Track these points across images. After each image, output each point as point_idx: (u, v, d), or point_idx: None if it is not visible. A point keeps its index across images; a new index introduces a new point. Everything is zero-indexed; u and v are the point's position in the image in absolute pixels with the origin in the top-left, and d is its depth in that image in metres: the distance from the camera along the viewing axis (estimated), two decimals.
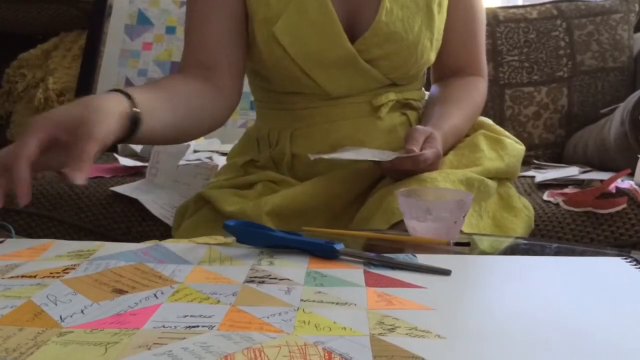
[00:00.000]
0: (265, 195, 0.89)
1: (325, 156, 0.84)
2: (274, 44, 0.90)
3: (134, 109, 0.72)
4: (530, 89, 1.57)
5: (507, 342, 0.41)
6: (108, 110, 0.67)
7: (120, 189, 1.20)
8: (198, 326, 0.43)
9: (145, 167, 1.29)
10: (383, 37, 0.90)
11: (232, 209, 0.86)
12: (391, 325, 0.44)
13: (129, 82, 1.76)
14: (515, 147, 0.97)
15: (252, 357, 0.38)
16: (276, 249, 0.62)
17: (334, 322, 0.44)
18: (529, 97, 1.56)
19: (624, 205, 1.01)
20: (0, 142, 1.91)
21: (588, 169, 1.29)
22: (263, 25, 0.90)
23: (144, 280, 0.53)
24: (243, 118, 1.65)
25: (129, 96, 0.72)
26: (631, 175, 1.09)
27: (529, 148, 1.54)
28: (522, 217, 0.92)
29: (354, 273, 0.55)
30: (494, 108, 1.57)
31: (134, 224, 1.17)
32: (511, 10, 1.65)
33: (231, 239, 0.64)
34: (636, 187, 1.05)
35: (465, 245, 0.66)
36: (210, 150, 1.44)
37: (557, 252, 0.71)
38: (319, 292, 0.50)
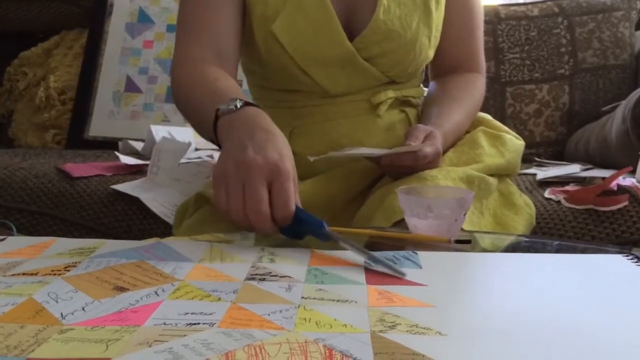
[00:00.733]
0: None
1: (325, 156, 0.84)
2: (272, 42, 0.90)
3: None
4: (532, 87, 1.56)
5: (508, 339, 0.41)
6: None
7: (121, 187, 1.20)
8: (199, 323, 0.43)
9: (146, 165, 1.29)
10: (381, 35, 0.90)
11: None
12: (392, 322, 0.44)
13: (130, 81, 1.76)
14: (515, 143, 0.97)
15: (253, 354, 0.38)
16: (277, 247, 0.62)
17: (335, 320, 0.44)
18: (531, 95, 1.56)
19: (626, 203, 1.01)
20: (2, 141, 1.91)
21: (589, 166, 1.29)
22: (261, 22, 0.91)
23: (145, 277, 0.53)
24: None
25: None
26: (633, 172, 1.09)
27: (530, 146, 1.54)
28: (523, 214, 0.92)
29: (355, 271, 0.55)
30: (495, 106, 1.57)
31: (135, 222, 1.17)
32: (512, 8, 1.64)
33: (232, 237, 0.64)
34: (638, 184, 1.05)
35: (466, 243, 0.66)
36: (212, 149, 1.44)
37: (559, 250, 0.71)
38: (320, 290, 0.50)
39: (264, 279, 0.53)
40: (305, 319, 0.44)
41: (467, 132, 0.99)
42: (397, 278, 0.53)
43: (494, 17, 1.62)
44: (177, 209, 1.00)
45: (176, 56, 0.92)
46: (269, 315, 0.45)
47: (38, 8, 1.91)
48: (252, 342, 0.40)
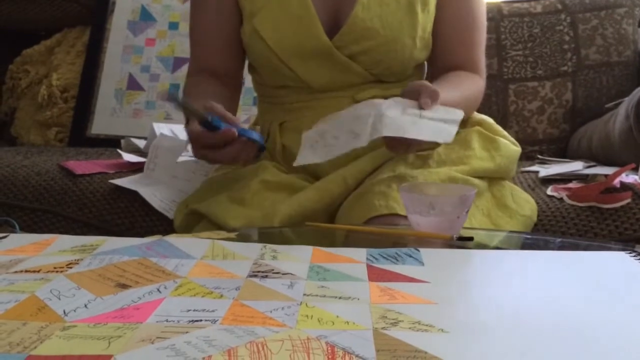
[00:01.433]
0: (262, 194, 0.89)
1: (310, 161, 0.82)
2: (256, 37, 0.95)
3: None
4: (535, 84, 1.56)
5: (511, 336, 0.41)
6: None
7: (119, 181, 1.20)
8: (201, 320, 0.43)
9: None
10: (359, 33, 0.92)
11: (236, 224, 0.86)
12: (394, 319, 0.44)
13: (132, 78, 1.76)
14: (510, 149, 0.96)
15: (255, 351, 0.38)
16: (279, 244, 0.62)
17: (337, 317, 0.44)
18: (533, 92, 1.56)
19: (629, 200, 1.01)
20: (4, 139, 1.91)
21: (592, 163, 1.28)
22: (248, 19, 0.97)
23: (147, 274, 0.53)
24: (246, 113, 1.65)
25: None
26: (636, 169, 1.08)
27: (532, 143, 1.54)
28: (517, 218, 0.92)
29: (357, 267, 0.55)
30: (498, 103, 1.56)
31: (137, 219, 1.17)
32: (515, 5, 1.64)
33: (234, 234, 0.64)
34: None
35: (468, 240, 0.65)
36: None
37: (561, 247, 0.70)
38: (322, 287, 0.50)
39: (266, 276, 0.53)
40: (307, 316, 0.44)
41: (465, 125, 0.99)
42: (399, 275, 0.53)
43: (496, 14, 1.61)
44: (178, 207, 1.01)
45: (189, 65, 1.09)
46: (271, 312, 0.45)
47: (40, 6, 1.91)
48: (254, 339, 0.40)
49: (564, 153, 1.53)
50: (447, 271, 0.55)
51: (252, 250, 0.60)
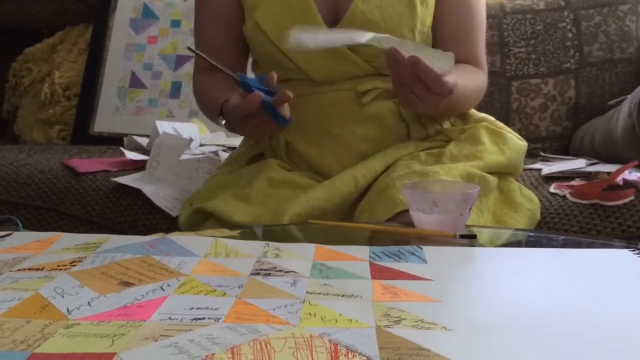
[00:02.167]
0: (267, 192, 0.89)
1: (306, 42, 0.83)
2: (257, 30, 0.96)
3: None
4: (537, 81, 1.55)
5: (514, 334, 0.41)
6: None
7: (122, 179, 1.20)
8: (204, 318, 0.43)
9: None
10: (359, 24, 0.92)
11: (244, 219, 0.86)
12: (397, 317, 0.44)
13: (134, 76, 1.76)
14: (517, 142, 0.96)
15: (258, 349, 0.38)
16: (282, 242, 0.62)
17: (340, 314, 0.44)
18: (536, 89, 1.55)
19: (632, 197, 1.01)
20: (7, 137, 1.91)
21: (595, 161, 1.28)
22: (249, 14, 0.98)
23: (150, 272, 0.53)
24: None
25: None
26: (639, 167, 1.08)
27: (535, 140, 1.54)
28: (522, 211, 0.92)
29: (360, 265, 0.55)
30: (501, 100, 1.56)
31: (140, 217, 1.17)
32: (518, 2, 1.63)
33: (237, 232, 0.65)
34: None
35: (471, 238, 0.65)
36: (217, 145, 1.44)
37: (564, 245, 0.70)
38: (325, 285, 0.50)
39: (269, 274, 0.53)
40: (310, 313, 0.44)
41: (467, 122, 0.99)
42: (402, 273, 0.53)
43: (499, 11, 1.61)
44: (182, 206, 1.01)
45: (194, 65, 1.11)
46: (274, 310, 0.45)
47: (42, 4, 1.91)
48: (257, 337, 0.40)
49: (566, 150, 1.53)
50: (450, 269, 0.55)
51: (255, 248, 0.60)
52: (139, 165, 1.31)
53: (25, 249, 0.60)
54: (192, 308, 0.45)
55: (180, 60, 1.75)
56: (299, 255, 0.58)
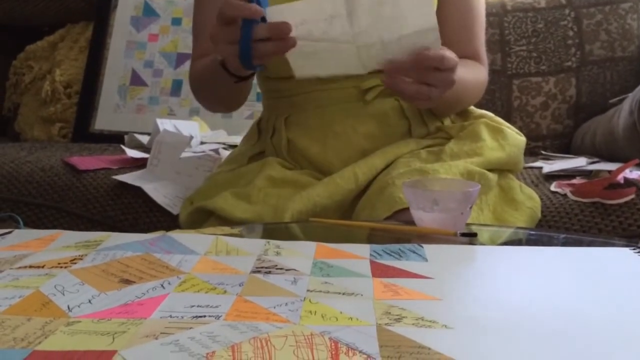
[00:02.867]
0: (267, 190, 0.89)
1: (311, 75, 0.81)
2: None
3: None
4: (538, 79, 1.55)
5: (514, 332, 0.41)
6: None
7: (123, 177, 1.20)
8: (205, 316, 0.43)
9: None
10: None
11: (245, 216, 0.86)
12: (398, 315, 0.43)
13: (135, 74, 1.76)
14: (516, 138, 0.97)
15: (259, 346, 0.38)
16: (283, 240, 0.62)
17: (341, 312, 0.44)
18: (537, 88, 1.55)
19: (632, 196, 1.01)
20: (8, 134, 1.91)
21: (596, 159, 1.28)
22: None
23: (151, 270, 0.53)
24: (249, 109, 1.65)
25: None
26: (639, 165, 1.08)
27: (536, 139, 1.54)
28: (523, 210, 0.92)
29: (361, 263, 0.55)
30: (502, 98, 1.56)
31: (141, 215, 1.17)
32: (519, 0, 1.63)
33: (238, 230, 0.65)
34: None
35: (472, 236, 0.65)
36: (218, 142, 1.44)
37: (565, 243, 0.70)
38: (326, 283, 0.50)
39: (269, 272, 0.53)
40: (311, 311, 0.44)
41: (467, 119, 0.99)
42: (403, 271, 0.53)
43: (500, 9, 1.61)
44: (183, 204, 1.01)
45: (191, 57, 1.05)
46: (274, 308, 0.45)
47: (43, 2, 1.91)
48: (258, 335, 0.40)
49: (567, 149, 1.53)
50: (451, 267, 0.55)
51: (256, 246, 0.60)
52: (140, 163, 1.32)
53: (26, 246, 0.60)
54: (192, 306, 0.45)
55: (181, 58, 1.75)
56: (299, 253, 0.58)
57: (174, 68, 1.75)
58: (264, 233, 0.74)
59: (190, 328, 0.41)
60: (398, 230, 0.71)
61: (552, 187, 1.10)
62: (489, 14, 1.57)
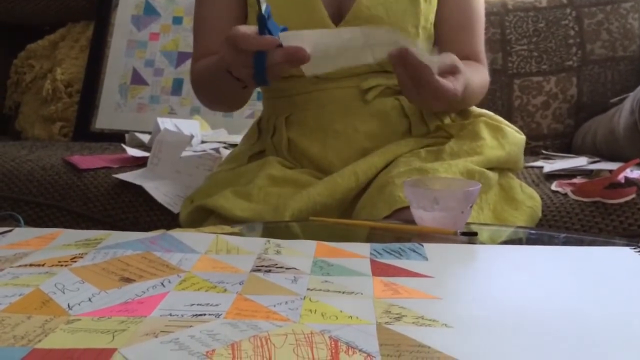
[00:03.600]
0: (268, 189, 0.89)
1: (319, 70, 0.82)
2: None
3: None
4: (539, 79, 1.55)
5: (514, 331, 0.41)
6: None
7: (123, 176, 1.20)
8: (205, 314, 0.43)
9: None
10: (364, 20, 0.92)
11: (245, 215, 0.86)
12: (398, 314, 0.43)
13: (136, 73, 1.76)
14: (516, 136, 0.97)
15: (259, 345, 0.38)
16: (283, 239, 0.62)
17: (341, 311, 0.44)
18: (538, 87, 1.55)
19: (633, 196, 1.01)
20: (9, 133, 1.91)
21: (597, 159, 1.28)
22: (252, 8, 0.97)
23: (151, 269, 0.53)
24: (250, 109, 1.64)
25: None
26: None
27: (537, 138, 1.53)
28: (523, 209, 0.92)
29: (361, 262, 0.55)
30: (502, 98, 1.56)
31: (141, 214, 1.17)
32: None
33: (238, 229, 0.65)
34: None
35: (472, 235, 0.65)
36: (218, 141, 1.44)
37: (566, 242, 0.70)
38: (326, 281, 0.50)
39: (269, 271, 0.53)
40: (311, 310, 0.44)
41: (467, 118, 0.99)
42: (403, 270, 0.53)
43: (501, 9, 1.61)
44: (184, 203, 1.01)
45: (192, 54, 1.05)
46: (274, 306, 0.45)
47: (44, 1, 1.91)
48: (257, 333, 0.40)
49: (568, 148, 1.52)
50: (451, 266, 0.55)
51: (256, 244, 0.60)
52: (140, 162, 1.32)
53: (27, 245, 0.60)
54: (192, 304, 0.45)
55: (182, 57, 1.75)
56: (300, 252, 0.58)
57: (175, 67, 1.75)
58: (264, 232, 0.74)
59: (190, 326, 0.41)
60: (398, 229, 0.71)
61: (553, 187, 1.10)
62: (490, 13, 1.57)
